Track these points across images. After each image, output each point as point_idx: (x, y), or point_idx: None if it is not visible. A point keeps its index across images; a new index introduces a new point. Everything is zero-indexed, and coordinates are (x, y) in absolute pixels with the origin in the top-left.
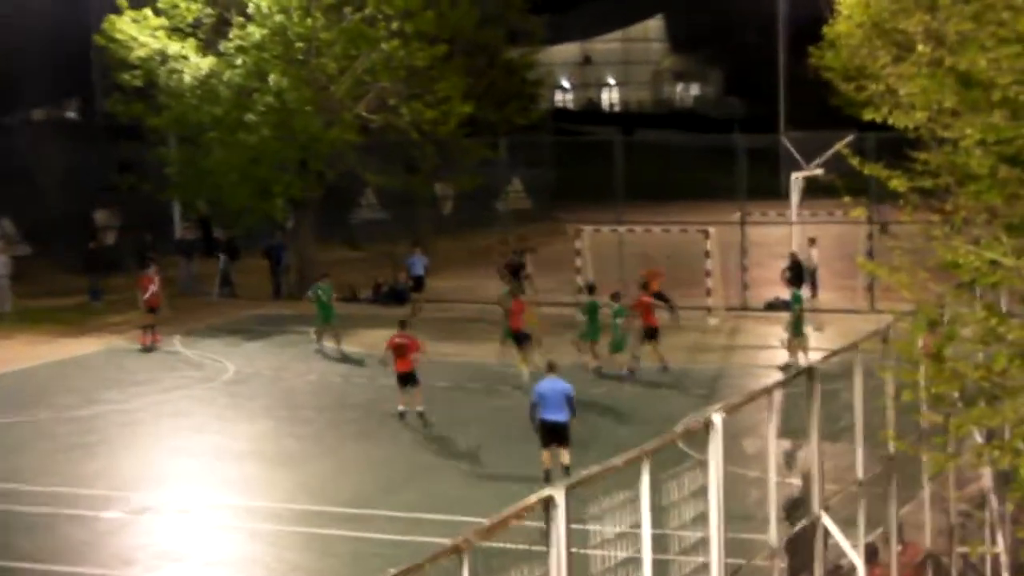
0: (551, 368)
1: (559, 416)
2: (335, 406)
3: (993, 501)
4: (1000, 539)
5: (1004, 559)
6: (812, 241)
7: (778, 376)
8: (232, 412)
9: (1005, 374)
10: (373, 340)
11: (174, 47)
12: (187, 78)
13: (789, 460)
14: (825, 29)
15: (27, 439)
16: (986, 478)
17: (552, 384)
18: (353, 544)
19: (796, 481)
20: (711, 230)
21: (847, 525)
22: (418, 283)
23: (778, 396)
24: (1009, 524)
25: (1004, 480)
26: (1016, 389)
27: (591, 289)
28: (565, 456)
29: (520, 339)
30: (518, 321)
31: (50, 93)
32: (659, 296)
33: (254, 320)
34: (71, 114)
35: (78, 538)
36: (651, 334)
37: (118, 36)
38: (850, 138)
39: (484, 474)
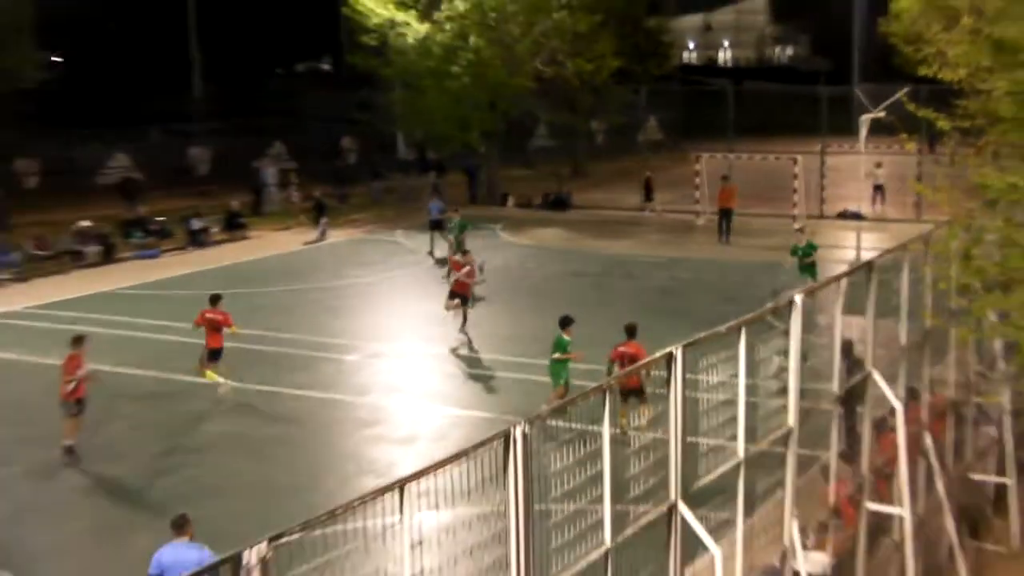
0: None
1: None
2: (512, 287)
3: (1001, 364)
4: (1006, 392)
5: (1007, 407)
6: (879, 164)
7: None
8: (437, 288)
9: (1016, 270)
10: (542, 236)
11: (400, 16)
12: (409, 39)
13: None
14: (891, 3)
15: (293, 303)
16: (998, 347)
17: (174, 553)
18: (525, 384)
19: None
20: (798, 158)
21: (890, 380)
22: (436, 226)
23: (844, 283)
24: (1012, 380)
25: (1010, 349)
26: None
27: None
28: None
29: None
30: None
31: (309, 50)
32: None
33: None
34: (325, 66)
35: (329, 373)
36: None
37: (359, 8)
38: (907, 89)
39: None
